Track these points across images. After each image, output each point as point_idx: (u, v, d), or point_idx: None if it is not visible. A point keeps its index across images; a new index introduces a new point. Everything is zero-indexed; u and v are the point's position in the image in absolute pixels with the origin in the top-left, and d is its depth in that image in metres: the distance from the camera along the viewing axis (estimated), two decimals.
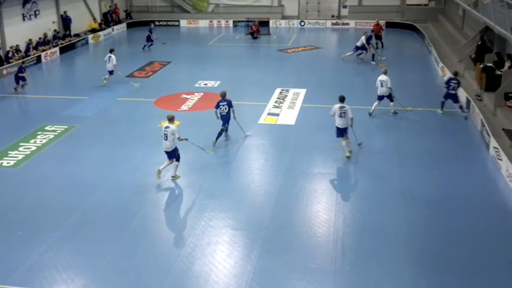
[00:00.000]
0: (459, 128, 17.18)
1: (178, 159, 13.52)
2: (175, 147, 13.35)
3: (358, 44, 26.11)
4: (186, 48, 31.26)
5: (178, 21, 39.65)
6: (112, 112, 19.27)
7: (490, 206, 11.97)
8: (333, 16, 39.35)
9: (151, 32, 30.80)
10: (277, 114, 18.50)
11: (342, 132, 14.60)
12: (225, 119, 15.83)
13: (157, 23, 39.66)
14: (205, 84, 22.73)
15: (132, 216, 11.66)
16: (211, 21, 39.53)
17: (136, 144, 15.83)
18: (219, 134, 15.76)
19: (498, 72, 18.99)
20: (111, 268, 9.85)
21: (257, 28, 34.48)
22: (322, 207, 11.98)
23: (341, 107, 14.44)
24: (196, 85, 22.52)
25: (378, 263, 9.88)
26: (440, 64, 23.49)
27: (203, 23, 39.39)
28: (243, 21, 37.46)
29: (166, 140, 13.16)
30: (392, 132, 16.75)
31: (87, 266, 9.90)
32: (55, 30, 31.17)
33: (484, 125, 15.73)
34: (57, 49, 29.52)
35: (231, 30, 38.18)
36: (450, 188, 12.80)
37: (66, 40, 31.26)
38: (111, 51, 22.49)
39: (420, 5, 37.92)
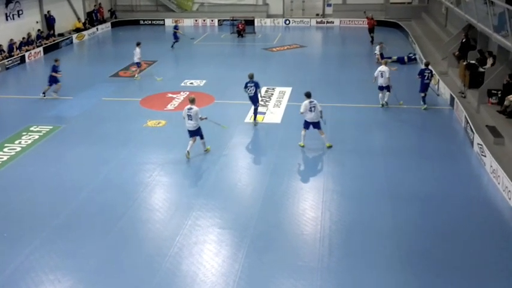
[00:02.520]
0: (443, 125, 17.33)
1: (202, 137, 14.73)
2: (199, 126, 14.55)
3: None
4: (168, 47, 31.07)
5: (163, 20, 39.44)
6: (97, 112, 19.11)
7: (475, 202, 12.10)
8: (317, 15, 39.45)
9: (177, 29, 30.84)
10: (263, 113, 18.48)
11: (312, 125, 15.09)
12: (254, 99, 17.21)
13: (141, 22, 39.56)
14: (191, 83, 22.65)
15: (119, 216, 11.58)
16: (196, 21, 39.39)
17: (122, 144, 15.73)
18: (255, 113, 17.34)
19: (481, 70, 19.18)
20: (99, 269, 9.77)
21: (243, 26, 34.46)
22: (309, 205, 12.01)
23: (310, 102, 14.90)
24: (182, 84, 22.46)
25: (364, 261, 9.93)
26: (424, 61, 23.62)
27: (188, 22, 39.23)
28: (228, 20, 37.40)
29: (191, 120, 14.37)
30: (376, 129, 16.84)
31: (74, 267, 9.81)
32: (39, 30, 30.84)
33: (468, 122, 15.89)
34: (41, 49, 29.20)
35: (216, 29, 38.08)
36: (435, 185, 12.90)
37: (50, 40, 30.93)
38: (138, 44, 23.32)
39: (404, 3, 38.19)
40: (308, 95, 15.09)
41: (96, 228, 11.14)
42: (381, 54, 24.81)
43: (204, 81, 22.85)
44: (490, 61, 19.14)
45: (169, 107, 19.41)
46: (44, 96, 20.63)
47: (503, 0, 16.27)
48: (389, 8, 37.95)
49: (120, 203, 12.18)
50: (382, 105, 18.87)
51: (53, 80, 20.71)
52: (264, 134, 16.67)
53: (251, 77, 17.10)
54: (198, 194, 12.58)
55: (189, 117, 14.39)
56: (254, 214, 11.60)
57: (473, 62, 19.96)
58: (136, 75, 23.56)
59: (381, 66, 18.69)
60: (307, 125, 15.20)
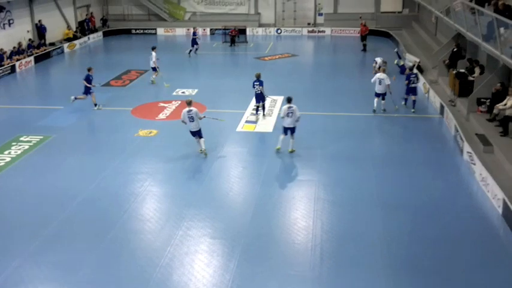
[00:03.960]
0: (433, 133, 17.46)
1: (201, 136, 15.39)
2: (200, 127, 15.27)
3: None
4: (163, 57, 31.07)
5: (155, 29, 39.57)
6: (88, 122, 19.07)
7: (465, 210, 12.16)
8: (309, 24, 39.70)
9: (196, 36, 30.97)
10: (255, 122, 18.54)
11: (287, 130, 15.39)
12: (259, 97, 18.52)
13: (133, 31, 39.62)
14: (183, 92, 22.67)
15: (110, 227, 11.53)
16: (188, 30, 39.47)
17: (113, 154, 15.68)
18: (257, 110, 18.76)
19: (470, 78, 19.35)
20: (89, 280, 9.71)
21: (236, 33, 34.55)
22: (301, 214, 12.03)
23: (289, 107, 15.17)
24: (174, 93, 22.47)
25: (356, 269, 9.95)
26: (415, 70, 23.80)
27: (180, 31, 39.35)
28: (220, 29, 37.55)
29: (193, 121, 15.07)
30: (367, 138, 16.92)
31: (65, 279, 9.75)
32: (30, 39, 30.79)
33: (457, 130, 16.01)
34: (32, 58, 29.14)
35: (208, 38, 38.20)
36: (425, 193, 12.97)
37: (41, 49, 30.89)
38: (153, 48, 23.87)
39: (394, 12, 38.54)
40: (289, 100, 15.36)
41: (86, 239, 11.08)
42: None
43: (196, 90, 22.88)
44: (477, 70, 19.34)
45: (161, 116, 19.41)
46: (97, 106, 20.08)
47: (491, 10, 16.46)
48: (380, 17, 38.28)
49: (111, 214, 12.13)
50: (374, 111, 19.12)
51: (87, 90, 20.03)
52: (255, 143, 16.70)
53: (258, 76, 18.48)
54: (189, 204, 12.55)
55: (191, 118, 15.06)
56: (245, 223, 11.60)
57: (463, 70, 20.14)
58: (153, 78, 24.15)
59: (379, 74, 19.09)
60: (285, 131, 15.48)
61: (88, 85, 20.01)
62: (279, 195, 12.97)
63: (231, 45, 34.15)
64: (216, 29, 38.45)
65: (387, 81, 18.89)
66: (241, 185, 13.80)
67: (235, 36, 34.51)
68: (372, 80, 19.30)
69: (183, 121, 15.26)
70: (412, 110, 19.31)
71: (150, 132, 17.53)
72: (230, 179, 14.13)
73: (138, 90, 23.22)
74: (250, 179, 14.20)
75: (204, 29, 39.18)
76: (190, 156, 15.56)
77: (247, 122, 18.65)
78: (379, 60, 24.85)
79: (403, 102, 20.00)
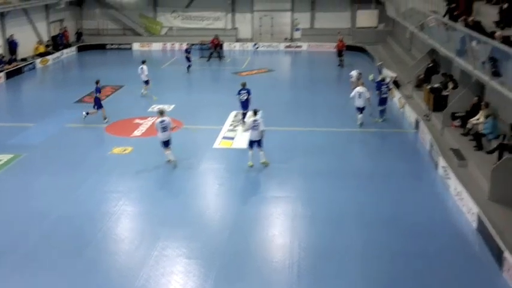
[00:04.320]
0: (409, 148, 17.73)
1: (169, 146, 15.70)
2: (171, 137, 15.64)
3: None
4: (138, 72, 30.99)
5: (131, 44, 39.43)
6: (61, 139, 18.82)
7: (440, 225, 12.35)
8: (286, 39, 40.07)
9: (188, 52, 30.62)
10: (232, 138, 18.57)
11: (253, 144, 15.60)
12: (244, 104, 19.32)
13: (108, 46, 39.43)
14: (159, 108, 22.53)
15: (83, 247, 11.38)
16: (164, 44, 39.49)
17: (87, 173, 15.52)
18: (243, 116, 19.35)
19: (445, 93, 19.73)
20: None
21: (218, 41, 34.49)
22: (278, 232, 12.06)
23: (254, 120, 15.44)
24: (150, 109, 22.35)
25: (334, 287, 9.98)
26: (391, 85, 24.19)
27: (156, 46, 39.31)
28: (197, 44, 37.57)
29: (166, 131, 15.44)
30: (343, 153, 17.09)
31: None
32: (0, 55, 30.39)
33: (432, 145, 16.28)
34: (2, 74, 28.74)
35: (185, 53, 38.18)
36: (401, 208, 13.15)
37: (12, 65, 30.49)
38: (143, 62, 24.36)
39: (370, 27, 39.12)
40: (254, 113, 15.68)
41: (59, 260, 10.91)
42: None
43: (173, 106, 22.83)
44: (450, 85, 19.74)
45: (136, 133, 19.30)
46: (106, 120, 20.34)
47: (463, 25, 16.85)
48: (355, 32, 38.82)
49: (84, 234, 11.97)
50: (361, 124, 19.52)
51: (99, 104, 20.29)
52: (232, 159, 16.70)
53: (244, 85, 19.55)
54: (164, 223, 12.47)
55: (164, 129, 15.43)
56: (222, 242, 11.57)
57: (437, 85, 20.51)
58: (144, 92, 24.49)
59: (359, 87, 19.48)
60: (251, 144, 15.65)
61: (99, 96, 20.41)
62: (257, 213, 12.97)
63: (208, 60, 34.18)
64: (193, 44, 38.45)
65: (367, 95, 19.32)
66: (218, 203, 13.79)
67: (217, 46, 34.45)
68: (351, 95, 19.63)
69: (157, 129, 15.61)
70: (380, 120, 20.09)
71: (124, 150, 17.41)
72: (206, 196, 14.10)
73: (113, 107, 23.03)
74: (227, 196, 14.20)
75: (181, 44, 39.18)
76: (165, 173, 15.49)
77: (224, 138, 18.66)
78: (354, 73, 25.16)
79: (379, 118, 20.35)
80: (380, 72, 23.04)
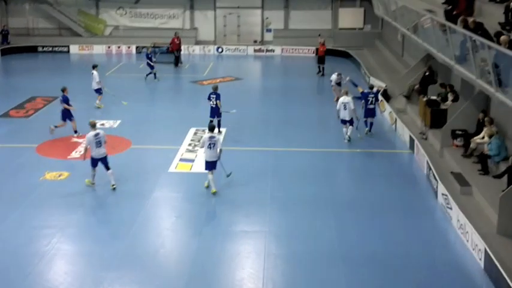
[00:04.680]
0: (403, 172, 17.93)
1: (109, 167, 15.94)
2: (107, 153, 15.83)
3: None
4: (77, 80, 30.65)
5: (68, 46, 39.14)
6: None
7: (441, 263, 12.43)
8: (255, 41, 40.41)
9: (149, 58, 30.30)
10: (192, 160, 18.48)
11: (211, 165, 15.65)
12: (215, 111, 20.41)
13: (40, 48, 39.01)
14: (102, 124, 22.28)
15: None
16: (109, 47, 39.30)
17: (13, 203, 15.18)
18: (219, 125, 20.46)
19: (443, 107, 20.08)
20: None
21: (178, 42, 34.25)
22: (248, 274, 11.97)
23: (211, 137, 15.56)
24: None
25: None
26: (380, 97, 24.54)
27: (99, 49, 39.09)
28: (154, 47, 37.45)
29: (101, 146, 15.67)
30: (325, 178, 17.18)
31: None
32: None
33: (430, 168, 16.50)
34: None
35: (134, 57, 38.14)
36: (394, 244, 13.22)
37: None
38: (94, 67, 24.63)
39: (354, 29, 39.83)
40: (211, 129, 15.83)
41: None
42: (339, 84, 25.57)
43: (119, 121, 22.64)
44: (450, 97, 20.10)
45: (74, 154, 19.06)
46: (77, 133, 20.72)
47: (463, 26, 17.22)
48: (337, 34, 39.43)
49: (9, 279, 11.65)
50: (349, 139, 19.96)
51: (68, 115, 20.65)
52: (191, 186, 16.58)
53: (215, 88, 20.57)
54: (108, 265, 12.25)
55: (99, 143, 15.63)
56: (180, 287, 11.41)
57: (435, 97, 20.89)
58: (98, 103, 24.69)
59: (343, 97, 19.95)
60: (208, 166, 15.71)
61: (69, 107, 20.58)
62: (221, 251, 12.87)
63: (176, 65, 33.98)
64: (144, 47, 38.39)
65: (352, 106, 19.72)
66: (174, 240, 13.65)
67: (179, 47, 34.30)
68: (337, 107, 20.06)
69: (87, 147, 15.76)
70: (367, 132, 20.82)
71: (59, 175, 17.16)
72: (161, 232, 13.93)
73: (46, 122, 22.66)
74: (185, 231, 14.07)
75: (129, 47, 39.10)
76: (110, 204, 15.27)
77: (181, 160, 18.56)
78: (334, 76, 25.56)
79: (366, 129, 21.00)
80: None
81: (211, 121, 19.83)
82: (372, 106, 20.83)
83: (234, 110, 21.43)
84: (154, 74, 30.25)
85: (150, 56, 30.55)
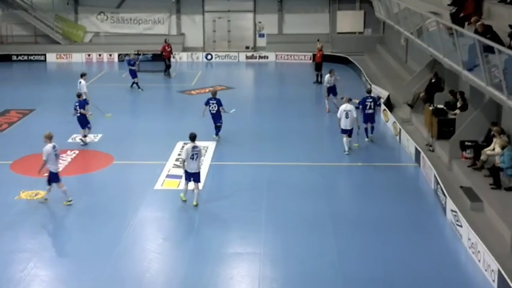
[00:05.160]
0: (408, 187, 17.93)
1: (59, 180, 16.22)
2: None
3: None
4: (54, 91, 30.67)
5: (44, 55, 39.18)
6: None
7: (450, 285, 12.42)
8: (247, 47, 40.51)
9: (132, 65, 30.32)
10: (179, 177, 18.32)
11: (191, 176, 16.03)
12: (216, 116, 21.48)
13: (15, 57, 38.97)
14: (48, 133, 22.27)
15: None
16: (89, 55, 39.33)
17: None
18: (217, 130, 21.64)
19: (451, 116, 20.13)
20: None
21: (170, 48, 34.16)
22: None
23: (193, 148, 15.93)
24: (70, 140, 22.11)
25: None
26: (382, 107, 24.63)
27: (78, 58, 39.11)
28: (137, 54, 37.45)
29: (57, 159, 16.27)
30: (325, 194, 17.15)
31: None
32: None
33: (438, 183, 16.50)
34: None
35: (116, 66, 38.16)
36: (400, 265, 13.19)
37: None
38: (82, 75, 24.97)
39: (354, 33, 40.02)
40: (192, 138, 16.11)
41: None
42: (333, 87, 25.65)
43: (100, 135, 22.59)
44: (458, 105, 20.14)
45: None
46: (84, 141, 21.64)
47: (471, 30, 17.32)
48: (336, 39, 39.62)
49: None
50: (348, 153, 20.10)
51: (86, 122, 21.62)
52: (179, 204, 16.52)
53: (214, 94, 21.81)
54: None
55: (57, 156, 16.15)
56: None
57: (441, 106, 20.95)
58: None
59: (345, 105, 20.10)
60: (189, 177, 16.05)
61: (84, 112, 21.33)
62: (213, 275, 12.81)
63: (165, 73, 34.01)
64: (126, 55, 38.39)
65: (354, 114, 20.02)
66: (161, 263, 13.58)
67: (170, 55, 34.11)
68: (338, 115, 20.15)
69: (45, 160, 15.91)
70: (366, 139, 21.27)
71: (36, 194, 17.09)
72: (147, 255, 13.85)
73: (21, 137, 22.65)
74: (173, 254, 14.02)
75: (111, 55, 39.12)
76: (91, 225, 15.19)
77: (168, 176, 18.53)
78: (327, 77, 25.73)
79: (366, 139, 21.36)
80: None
81: (217, 127, 21.67)
82: (370, 111, 21.31)
83: (233, 109, 22.31)
84: (137, 83, 30.34)
85: (132, 62, 30.64)
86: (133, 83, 30.33)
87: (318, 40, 34.33)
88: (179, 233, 15.00)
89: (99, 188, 17.24)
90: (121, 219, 15.43)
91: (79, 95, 21.77)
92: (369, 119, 21.49)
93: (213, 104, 21.35)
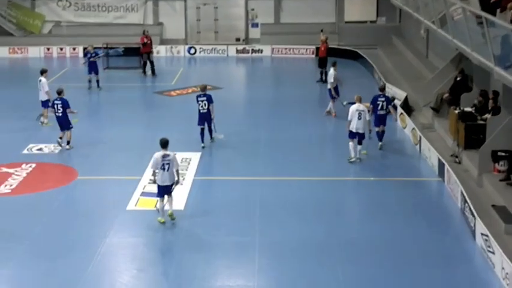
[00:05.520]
0: (431, 206, 17.89)
1: None
2: None
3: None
4: (6, 93, 30.57)
5: None
6: None
7: None
8: (238, 40, 40.50)
9: (89, 58, 30.58)
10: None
11: (164, 190, 16.32)
12: (205, 117, 21.69)
13: None
14: (40, 149, 22.29)
15: None
16: (48, 49, 39.27)
17: None
18: (202, 136, 21.82)
19: (481, 121, 20.11)
20: None
21: (150, 40, 34.05)
22: None
23: (164, 156, 16.08)
24: (26, 151, 22.10)
25: None
26: (399, 110, 24.62)
27: (35, 52, 39.06)
28: (100, 48, 37.44)
29: None
30: (329, 214, 17.15)
31: None
32: None
33: (466, 201, 16.47)
34: None
35: (81, 62, 38.03)
36: None
37: None
38: (42, 72, 25.16)
39: (365, 22, 40.11)
40: (163, 144, 16.29)
41: None
42: (335, 88, 25.78)
43: (63, 144, 22.52)
44: (491, 104, 20.07)
45: (3, 189, 18.95)
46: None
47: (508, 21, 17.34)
48: (343, 29, 39.67)
49: None
50: (354, 160, 20.30)
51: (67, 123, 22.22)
52: (157, 228, 16.46)
53: (203, 88, 22.07)
54: None
55: None
56: None
57: (469, 109, 20.93)
58: (45, 121, 24.78)
59: (357, 105, 20.40)
60: (161, 191, 16.38)
61: (71, 112, 22.16)
62: None
63: (144, 72, 33.94)
64: (95, 48, 38.33)
65: (367, 116, 20.45)
66: None
67: (149, 53, 33.94)
68: (349, 117, 20.28)
69: None
70: (380, 143, 21.57)
71: None
72: None
73: None
74: (149, 286, 13.95)
75: (75, 48, 39.07)
76: (50, 254, 15.07)
77: (143, 194, 18.50)
78: (331, 71, 25.93)
79: (380, 143, 21.64)
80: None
81: (202, 129, 21.78)
82: (382, 112, 21.57)
83: (221, 135, 22.45)
84: (97, 81, 30.70)
85: (91, 55, 30.90)
86: (89, 82, 30.71)
87: (322, 31, 34.29)
88: (157, 263, 14.94)
89: (60, 209, 17.13)
90: (86, 246, 15.33)
91: (60, 92, 22.10)
92: (381, 121, 21.73)
93: (202, 101, 21.62)
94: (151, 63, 34.08)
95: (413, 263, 14.62)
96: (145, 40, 33.99)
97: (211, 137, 22.34)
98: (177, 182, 16.56)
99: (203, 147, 21.83)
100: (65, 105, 21.90)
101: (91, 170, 20.25)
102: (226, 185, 19.05)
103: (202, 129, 21.91)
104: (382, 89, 22.75)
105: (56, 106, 21.86)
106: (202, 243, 15.57)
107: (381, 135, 21.75)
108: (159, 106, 28.59)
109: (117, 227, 16.50)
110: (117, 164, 20.89)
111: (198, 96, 21.89)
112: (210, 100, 21.72)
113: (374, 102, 21.74)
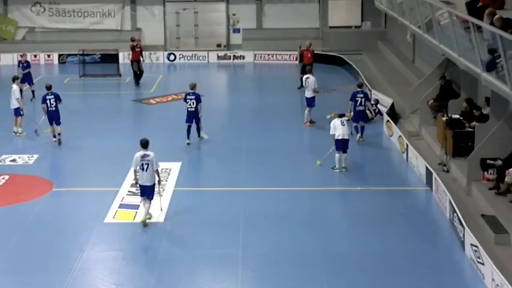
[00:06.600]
0: (418, 216, 17.95)
1: None
2: None
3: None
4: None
5: None
6: None
7: None
8: (219, 46, 40.51)
9: (25, 68, 30.35)
10: (136, 207, 18.30)
11: (145, 190, 16.79)
12: (193, 115, 22.70)
13: None
14: (13, 160, 22.16)
15: None
16: (21, 56, 38.96)
17: None
18: (188, 132, 22.76)
19: (469, 128, 20.19)
20: None
21: (138, 48, 33.69)
22: None
23: (143, 156, 16.48)
24: None
25: None
26: (385, 117, 24.71)
27: (8, 59, 38.82)
28: (75, 55, 37.37)
29: None
30: (315, 225, 17.16)
31: None
32: None
33: (454, 211, 16.52)
34: None
35: (56, 69, 38.03)
36: None
37: None
38: (14, 79, 25.13)
39: (350, 27, 40.18)
40: (144, 144, 16.71)
41: None
42: (312, 99, 25.90)
43: (36, 156, 22.45)
44: (476, 113, 20.16)
45: None
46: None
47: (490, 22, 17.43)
48: (327, 34, 39.76)
49: None
50: (340, 169, 20.55)
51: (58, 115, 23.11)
52: (136, 241, 16.42)
53: (192, 87, 23.18)
54: None
55: None
56: None
57: (457, 116, 21.01)
58: (19, 130, 24.75)
59: (336, 119, 20.60)
60: (143, 191, 16.86)
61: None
62: None
63: (138, 84, 33.68)
64: (70, 55, 38.31)
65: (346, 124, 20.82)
66: None
67: (138, 61, 33.62)
68: (331, 131, 20.36)
69: None
70: (360, 139, 22.84)
71: None
72: None
73: None
74: None
75: (49, 55, 38.92)
76: (22, 268, 14.98)
77: (122, 206, 18.44)
78: (311, 78, 25.98)
79: (358, 136, 22.92)
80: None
81: (189, 126, 22.86)
82: (361, 108, 22.92)
83: (206, 135, 23.65)
84: (32, 91, 30.36)
85: (25, 65, 30.84)
86: (32, 91, 30.47)
87: (300, 47, 32.74)
88: (136, 278, 14.83)
89: (35, 222, 17.02)
90: (63, 260, 15.24)
91: (49, 87, 22.70)
92: (360, 117, 22.95)
93: (191, 99, 22.74)
94: (141, 72, 33.72)
95: (402, 275, 14.64)
96: (136, 48, 33.44)
97: (199, 135, 23.34)
98: (159, 182, 17.02)
99: (188, 143, 22.89)
100: (58, 98, 22.59)
101: (67, 181, 20.18)
102: (208, 196, 19.03)
103: (189, 127, 22.95)
104: (360, 85, 24.09)
105: (48, 101, 22.36)
106: (183, 256, 15.53)
107: (361, 130, 22.94)
108: (137, 115, 28.55)
109: (94, 240, 16.40)
110: (94, 175, 20.81)
111: (187, 95, 22.99)
112: (198, 99, 22.84)
113: (353, 98, 22.95)
